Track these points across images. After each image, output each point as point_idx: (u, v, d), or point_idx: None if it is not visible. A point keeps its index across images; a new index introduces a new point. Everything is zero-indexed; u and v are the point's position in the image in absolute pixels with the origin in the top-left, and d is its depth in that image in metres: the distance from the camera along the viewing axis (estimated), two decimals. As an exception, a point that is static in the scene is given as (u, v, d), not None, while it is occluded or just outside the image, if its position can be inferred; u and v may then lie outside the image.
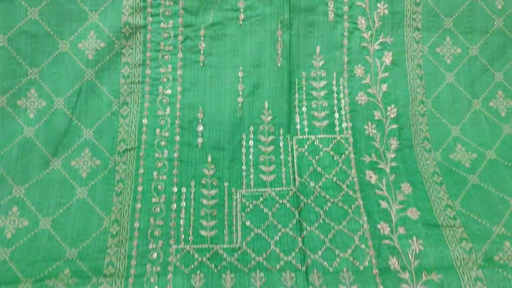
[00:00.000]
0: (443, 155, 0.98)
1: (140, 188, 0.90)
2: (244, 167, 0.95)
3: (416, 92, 1.04)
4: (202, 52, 1.02)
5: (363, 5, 1.04)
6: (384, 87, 1.03)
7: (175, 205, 0.89)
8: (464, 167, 0.96)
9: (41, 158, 0.93)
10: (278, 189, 0.92)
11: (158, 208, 0.88)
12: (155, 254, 0.83)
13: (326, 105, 1.02)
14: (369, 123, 1.01)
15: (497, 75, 1.08)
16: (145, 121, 0.97)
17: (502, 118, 1.04)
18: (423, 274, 0.82)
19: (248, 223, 0.88)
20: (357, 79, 1.04)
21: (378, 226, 0.88)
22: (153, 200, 0.89)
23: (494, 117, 1.04)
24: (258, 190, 0.92)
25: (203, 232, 0.86)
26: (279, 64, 1.02)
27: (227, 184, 0.92)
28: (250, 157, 0.96)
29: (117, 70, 0.99)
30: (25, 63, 0.96)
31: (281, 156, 0.96)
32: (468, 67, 1.08)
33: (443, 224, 0.88)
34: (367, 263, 0.84)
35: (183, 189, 0.91)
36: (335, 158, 0.96)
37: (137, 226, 0.86)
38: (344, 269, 0.83)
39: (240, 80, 1.01)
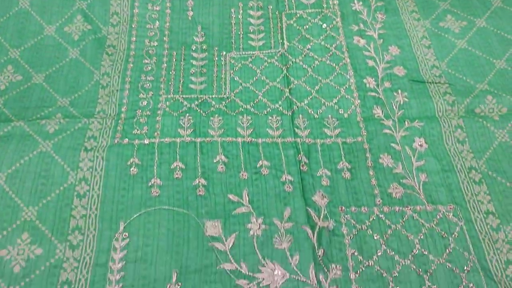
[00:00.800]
0: (433, 23, 0.99)
1: (132, 53, 0.92)
2: (233, 35, 0.96)
3: None
4: None
5: None
6: None
7: (165, 65, 0.91)
8: (454, 32, 0.97)
9: (36, 26, 0.95)
10: (267, 51, 0.94)
11: (149, 67, 0.90)
12: (145, 102, 0.85)
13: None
14: (355, 1, 1.02)
15: None
16: (137, -3, 1.00)
17: (489, -5, 1.05)
18: (406, 122, 0.84)
19: (236, 78, 0.89)
20: None
21: (364, 80, 0.89)
22: (145, 61, 0.91)
23: (482, -6, 1.05)
24: (246, 52, 0.93)
25: (192, 86, 0.88)
26: None
27: (217, 48, 0.94)
28: (240, 26, 0.98)
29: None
30: None
31: (270, 25, 0.98)
32: None
33: (428, 80, 0.89)
34: (351, 111, 0.85)
35: (174, 53, 0.93)
36: (323, 27, 0.98)
37: (128, 81, 0.88)
38: (329, 115, 0.84)
39: None
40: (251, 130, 0.81)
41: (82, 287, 0.64)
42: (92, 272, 0.66)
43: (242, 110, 0.84)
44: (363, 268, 0.68)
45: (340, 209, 0.73)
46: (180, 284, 0.65)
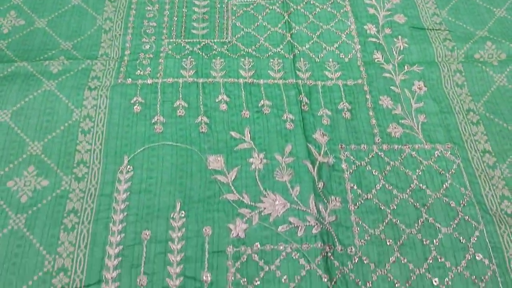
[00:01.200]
0: (433, -28, 0.99)
1: (134, 0, 0.93)
2: (235, -16, 0.97)
3: None
4: None
5: None
6: None
7: (168, 12, 0.91)
8: (454, -19, 0.98)
9: (38, -25, 0.95)
10: (269, -1, 0.94)
11: (152, 14, 0.91)
12: (148, 46, 0.86)
13: None
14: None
15: None
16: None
17: None
18: (406, 66, 0.85)
19: (238, 24, 0.90)
20: None
21: (365, 27, 0.90)
22: (147, 8, 0.92)
23: None
24: (248, 0, 0.94)
25: (194, 31, 0.89)
26: None
27: (218, -3, 0.95)
28: (242, -24, 0.98)
29: None
30: None
31: (271, -25, 0.98)
32: None
33: (428, 27, 0.90)
34: (352, 56, 0.86)
35: (176, 0, 0.93)
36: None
37: (131, 26, 0.88)
38: (330, 59, 0.85)
39: None
40: (253, 72, 0.82)
41: (88, 216, 0.66)
42: (98, 201, 0.67)
43: (244, 53, 0.85)
44: (362, 201, 0.70)
45: (340, 146, 0.75)
46: (183, 212, 0.67)
